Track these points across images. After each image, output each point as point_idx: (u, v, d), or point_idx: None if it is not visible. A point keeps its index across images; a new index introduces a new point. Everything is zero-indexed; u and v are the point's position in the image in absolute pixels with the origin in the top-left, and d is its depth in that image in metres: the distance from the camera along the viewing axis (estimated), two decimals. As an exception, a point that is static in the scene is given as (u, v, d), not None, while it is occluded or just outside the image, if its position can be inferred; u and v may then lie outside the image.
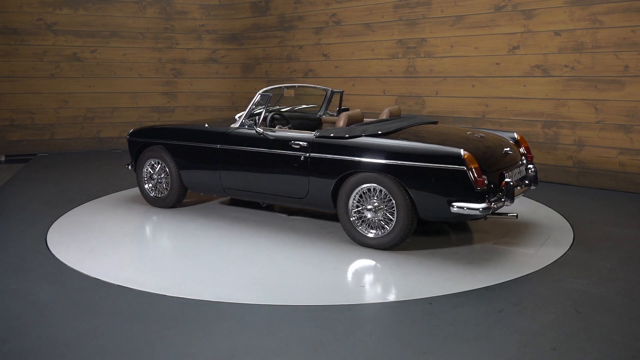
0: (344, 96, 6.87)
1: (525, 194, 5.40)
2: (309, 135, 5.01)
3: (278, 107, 6.22)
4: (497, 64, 7.64)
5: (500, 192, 4.44)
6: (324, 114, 6.48)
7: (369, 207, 4.64)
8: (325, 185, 4.86)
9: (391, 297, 3.78)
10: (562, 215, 5.68)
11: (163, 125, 6.31)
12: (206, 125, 5.80)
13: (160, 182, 6.01)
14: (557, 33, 7.07)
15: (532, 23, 7.26)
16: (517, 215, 4.77)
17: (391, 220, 4.56)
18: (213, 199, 6.47)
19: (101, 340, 3.17)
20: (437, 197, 4.37)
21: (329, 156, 4.82)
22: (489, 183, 4.35)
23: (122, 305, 3.64)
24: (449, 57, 8.13)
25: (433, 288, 3.87)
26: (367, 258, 4.51)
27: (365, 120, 5.50)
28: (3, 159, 9.39)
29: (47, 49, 9.82)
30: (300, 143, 5.00)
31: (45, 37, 9.79)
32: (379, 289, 3.94)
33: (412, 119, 5.52)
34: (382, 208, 4.60)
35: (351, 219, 4.75)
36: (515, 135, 5.26)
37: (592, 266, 4.28)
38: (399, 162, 4.47)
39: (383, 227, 4.61)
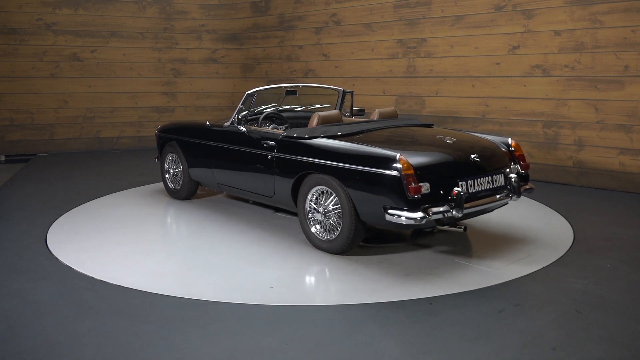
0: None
1: (527, 194, 5.08)
2: (278, 135, 5.05)
3: (289, 106, 6.30)
4: (497, 64, 7.64)
5: (453, 201, 4.09)
6: None
7: (320, 210, 4.60)
8: (286, 185, 4.88)
9: (386, 298, 3.78)
10: (562, 215, 5.68)
11: (180, 122, 6.67)
12: (207, 123, 6.01)
13: (176, 175, 6.38)
14: (557, 33, 7.07)
15: (532, 23, 7.26)
16: (464, 229, 4.40)
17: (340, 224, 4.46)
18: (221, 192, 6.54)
19: (101, 340, 3.17)
20: (374, 202, 4.16)
21: (288, 156, 4.84)
22: (439, 192, 4.10)
23: (122, 305, 3.64)
24: (449, 57, 8.13)
25: (433, 288, 3.87)
26: (324, 261, 4.50)
27: (346, 120, 5.47)
28: (3, 159, 9.40)
29: (47, 49, 9.82)
30: (269, 142, 5.06)
31: (45, 37, 9.79)
32: (377, 290, 3.94)
33: (402, 120, 5.38)
34: (331, 211, 4.51)
35: (307, 221, 4.72)
36: (509, 141, 4.91)
37: (592, 266, 4.28)
38: (340, 164, 4.35)
39: (334, 231, 4.53)
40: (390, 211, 4.04)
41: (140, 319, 3.43)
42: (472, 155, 4.43)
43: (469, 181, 4.30)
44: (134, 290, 3.88)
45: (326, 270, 4.30)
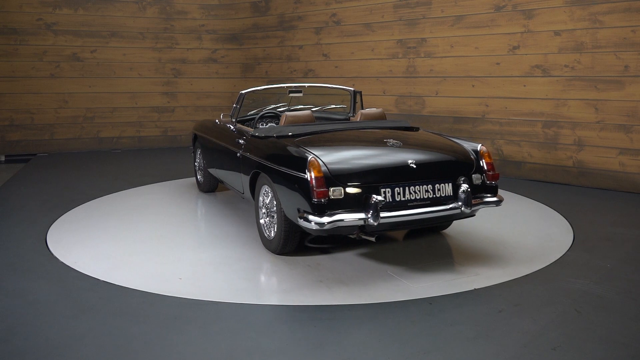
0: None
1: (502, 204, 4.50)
2: (249, 133, 5.13)
3: (302, 106, 6.39)
4: (497, 64, 7.64)
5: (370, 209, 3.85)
6: (353, 115, 6.43)
7: (263, 210, 4.61)
8: (246, 182, 4.95)
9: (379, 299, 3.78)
10: (562, 215, 5.68)
11: (204, 120, 6.93)
12: (217, 121, 6.21)
13: (201, 169, 6.76)
14: (557, 33, 7.07)
15: (532, 23, 7.26)
16: (375, 239, 4.05)
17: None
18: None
19: (101, 340, 3.17)
20: (292, 204, 4.07)
21: (247, 154, 4.92)
22: (361, 197, 3.89)
23: (122, 305, 3.64)
24: (449, 57, 8.13)
25: (433, 288, 3.88)
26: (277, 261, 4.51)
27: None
28: (3, 159, 9.39)
29: (47, 49, 9.82)
30: (241, 141, 5.15)
31: (45, 37, 9.79)
32: (380, 290, 3.94)
33: (380, 123, 5.15)
34: (274, 211, 4.46)
35: (259, 220, 4.74)
36: (478, 147, 4.44)
37: (592, 266, 4.28)
38: (269, 164, 4.39)
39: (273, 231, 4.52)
40: (300, 214, 3.94)
41: (140, 319, 3.43)
42: (409, 161, 4.11)
43: (397, 188, 3.99)
44: (134, 290, 3.87)
45: (255, 268, 4.30)
